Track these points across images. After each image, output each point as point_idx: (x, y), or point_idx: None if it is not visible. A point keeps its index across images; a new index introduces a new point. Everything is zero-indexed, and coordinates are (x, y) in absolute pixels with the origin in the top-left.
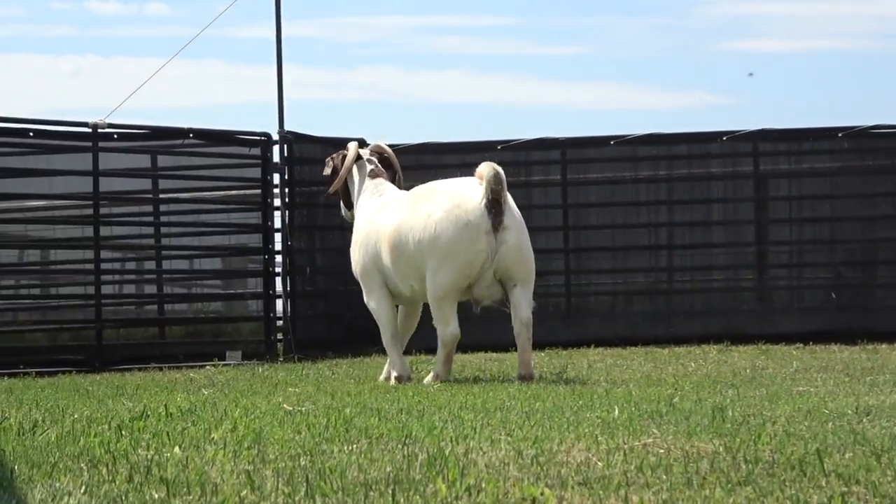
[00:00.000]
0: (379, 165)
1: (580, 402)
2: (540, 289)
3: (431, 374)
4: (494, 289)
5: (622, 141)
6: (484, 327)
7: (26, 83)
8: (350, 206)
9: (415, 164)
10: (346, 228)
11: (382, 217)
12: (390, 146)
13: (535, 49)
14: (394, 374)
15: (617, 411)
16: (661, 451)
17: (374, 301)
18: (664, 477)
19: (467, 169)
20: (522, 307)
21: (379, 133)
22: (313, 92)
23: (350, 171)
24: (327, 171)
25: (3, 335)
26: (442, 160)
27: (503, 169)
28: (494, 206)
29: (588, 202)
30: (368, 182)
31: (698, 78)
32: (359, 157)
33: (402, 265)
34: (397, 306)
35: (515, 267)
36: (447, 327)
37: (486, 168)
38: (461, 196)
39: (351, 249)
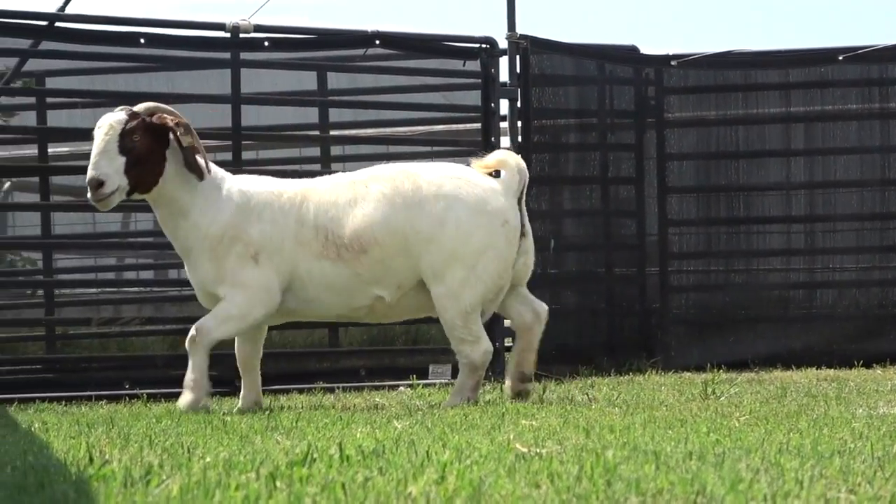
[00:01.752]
0: None
1: None
2: None
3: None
4: None
5: None
6: (808, 331)
7: None
8: (147, 188)
9: (714, 84)
10: (612, 181)
11: (318, 208)
12: (674, 56)
13: None
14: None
15: None
16: None
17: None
18: None
19: (791, 92)
20: (535, 300)
21: (653, 37)
22: None
23: None
24: (188, 139)
25: (100, 339)
26: (753, 77)
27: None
28: (518, 205)
29: None
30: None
31: None
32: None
33: (378, 268)
34: None
35: (524, 276)
36: (478, 346)
37: (512, 158)
38: (483, 187)
39: (207, 254)
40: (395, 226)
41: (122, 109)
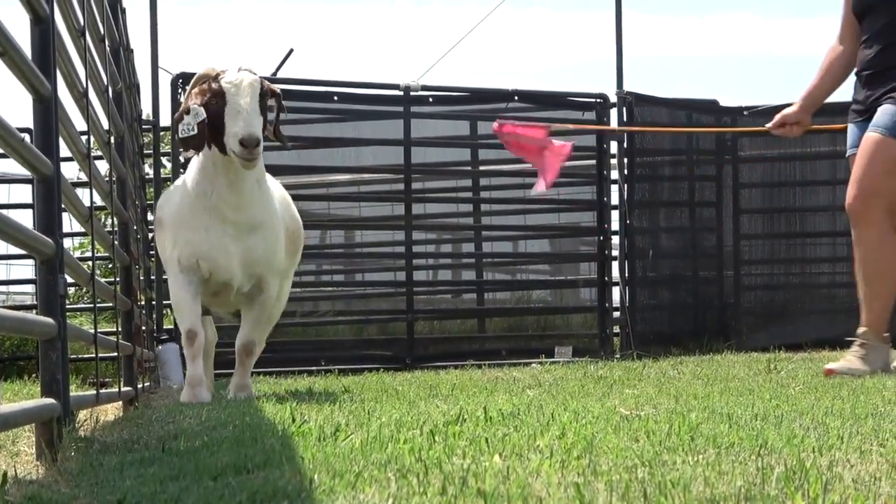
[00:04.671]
0: None
1: None
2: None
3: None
4: None
5: None
6: (850, 321)
7: (331, 41)
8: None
9: None
10: (698, 204)
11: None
12: (746, 107)
13: None
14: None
15: None
16: None
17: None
18: None
19: (838, 136)
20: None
21: (733, 93)
22: (657, 47)
23: None
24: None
25: (302, 327)
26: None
27: None
28: None
29: None
30: None
31: None
32: None
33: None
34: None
35: None
36: None
37: None
38: None
39: (278, 230)
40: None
41: (249, 70)
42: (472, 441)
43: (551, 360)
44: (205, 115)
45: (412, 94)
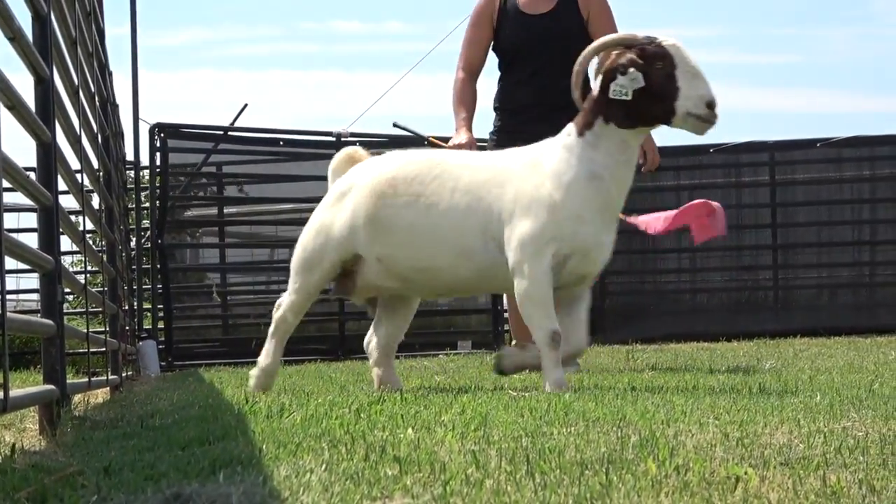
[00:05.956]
0: None
1: (785, 387)
2: (749, 282)
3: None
4: None
5: (827, 143)
6: (692, 319)
7: (278, 97)
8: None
9: None
10: None
11: None
12: None
13: (746, 58)
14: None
15: (819, 397)
16: (860, 433)
17: None
18: (861, 458)
19: (681, 171)
20: None
21: None
22: None
23: None
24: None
25: (255, 327)
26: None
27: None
28: None
29: (795, 201)
30: None
31: None
32: None
33: None
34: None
35: None
36: None
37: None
38: None
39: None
40: None
41: None
42: (391, 417)
43: (455, 351)
44: (643, 83)
45: (343, 139)
